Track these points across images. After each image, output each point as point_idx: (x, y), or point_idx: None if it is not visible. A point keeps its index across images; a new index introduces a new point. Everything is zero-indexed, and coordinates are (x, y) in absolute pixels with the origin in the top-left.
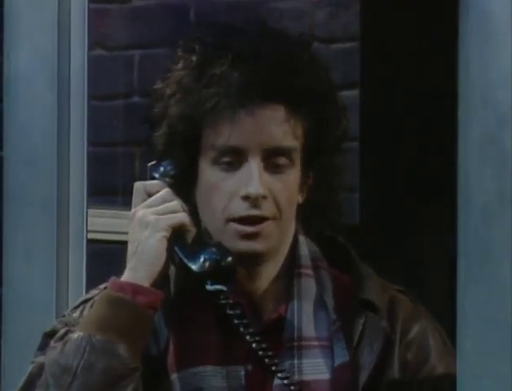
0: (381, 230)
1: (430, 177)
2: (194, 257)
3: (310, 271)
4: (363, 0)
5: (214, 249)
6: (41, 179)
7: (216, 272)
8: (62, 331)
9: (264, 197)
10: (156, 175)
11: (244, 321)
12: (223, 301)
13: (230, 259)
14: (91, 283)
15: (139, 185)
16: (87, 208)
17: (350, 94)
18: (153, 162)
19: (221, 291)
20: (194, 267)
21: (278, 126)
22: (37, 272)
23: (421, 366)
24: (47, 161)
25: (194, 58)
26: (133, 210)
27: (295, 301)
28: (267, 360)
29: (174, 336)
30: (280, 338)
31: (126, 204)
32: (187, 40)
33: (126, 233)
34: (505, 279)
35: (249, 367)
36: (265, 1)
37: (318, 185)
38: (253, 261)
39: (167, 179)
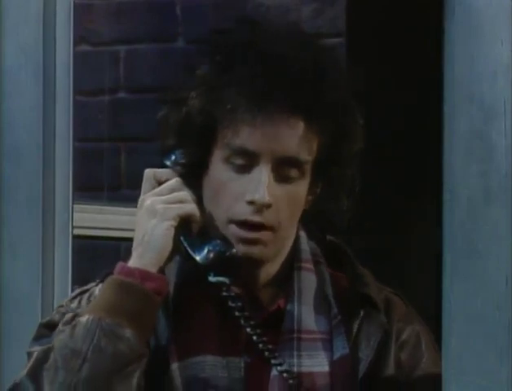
0: (367, 225)
1: (416, 172)
2: (199, 248)
3: (310, 265)
4: None
5: (218, 241)
6: (26, 174)
7: (219, 264)
8: (69, 316)
9: (269, 206)
10: (168, 163)
11: (245, 313)
12: (225, 293)
13: (234, 251)
14: (77, 279)
15: (149, 172)
16: (73, 203)
17: None
18: (166, 151)
19: (223, 283)
20: (198, 258)
21: (295, 138)
22: (23, 267)
23: (412, 369)
24: (32, 157)
25: (219, 56)
26: (141, 197)
27: (295, 294)
28: (266, 353)
29: (174, 325)
30: (280, 330)
31: (112, 199)
32: (213, 36)
33: (112, 229)
34: (491, 275)
35: (248, 359)
36: None
37: (326, 194)
38: (251, 264)
39: (178, 168)
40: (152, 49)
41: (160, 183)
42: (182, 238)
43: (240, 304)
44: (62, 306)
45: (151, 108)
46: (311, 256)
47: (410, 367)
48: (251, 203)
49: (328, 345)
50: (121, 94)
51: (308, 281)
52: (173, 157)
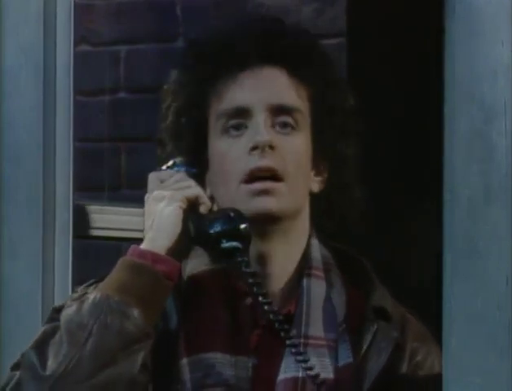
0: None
1: (416, 172)
2: (209, 224)
3: (320, 273)
4: None
5: (228, 212)
6: (26, 174)
7: (231, 231)
8: (79, 293)
9: (271, 147)
10: (169, 166)
11: (258, 280)
12: (239, 259)
13: (244, 218)
14: (77, 279)
15: (152, 175)
16: (73, 203)
17: None
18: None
19: (237, 249)
20: (210, 230)
21: (280, 86)
22: (23, 267)
23: (427, 388)
24: (33, 156)
25: (194, 48)
26: (147, 195)
27: (304, 300)
28: (293, 349)
29: (185, 321)
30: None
31: (112, 199)
32: (184, 56)
33: (112, 229)
34: (491, 275)
35: (256, 360)
36: None
37: (333, 176)
38: (265, 221)
39: (179, 169)
40: (153, 49)
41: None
42: (192, 219)
43: (253, 270)
44: (76, 292)
45: (151, 108)
46: (322, 264)
47: (426, 385)
48: (254, 148)
49: (334, 352)
50: (122, 94)
51: (317, 288)
52: (172, 162)
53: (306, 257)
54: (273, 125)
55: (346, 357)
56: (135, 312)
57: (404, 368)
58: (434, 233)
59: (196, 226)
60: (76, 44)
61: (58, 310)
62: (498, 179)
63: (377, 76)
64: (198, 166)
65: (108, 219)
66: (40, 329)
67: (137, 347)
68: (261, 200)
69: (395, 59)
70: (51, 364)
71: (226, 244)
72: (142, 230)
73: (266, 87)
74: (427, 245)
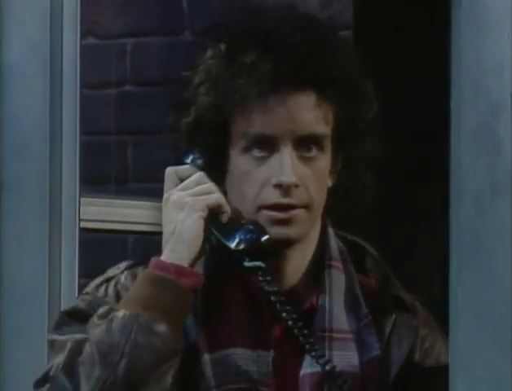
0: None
1: (423, 166)
2: (231, 236)
3: (339, 264)
4: None
5: (250, 227)
6: (33, 168)
7: (254, 249)
8: (105, 309)
9: (296, 186)
10: (187, 161)
11: (282, 298)
12: (261, 278)
13: (267, 236)
14: (84, 272)
15: (170, 170)
16: (80, 196)
17: None
18: (182, 151)
19: (259, 267)
20: (232, 245)
21: (309, 112)
22: (30, 261)
23: (435, 376)
24: (39, 150)
25: (223, 46)
26: (166, 195)
27: (327, 292)
28: (307, 346)
29: (204, 318)
30: (311, 328)
31: (119, 192)
32: (215, 27)
33: (119, 222)
34: (498, 269)
35: (277, 354)
36: None
37: (348, 169)
38: (283, 246)
39: (199, 164)
40: (159, 42)
41: (182, 180)
42: (212, 228)
43: (276, 288)
44: (87, 294)
45: (158, 101)
46: (339, 253)
47: (432, 374)
48: (278, 186)
49: (359, 345)
50: (128, 88)
51: (338, 279)
52: (191, 157)
53: (323, 247)
54: (299, 155)
55: (373, 349)
56: (163, 328)
57: (417, 356)
58: (441, 228)
59: (217, 238)
60: (82, 37)
61: (69, 314)
62: (505, 173)
63: (384, 69)
64: (216, 168)
65: (114, 212)
66: (53, 341)
67: (167, 366)
68: (281, 228)
69: (402, 52)
70: (84, 387)
71: (249, 264)
72: (149, 224)
73: (295, 116)
74: (434, 240)
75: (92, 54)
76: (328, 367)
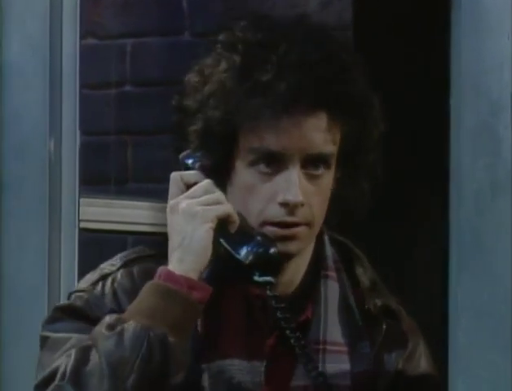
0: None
1: (423, 166)
2: (240, 248)
3: (333, 273)
4: None
5: (259, 239)
6: (33, 168)
7: (263, 263)
8: (112, 319)
9: (302, 205)
10: (192, 166)
11: (287, 315)
12: (269, 293)
13: (275, 249)
14: (83, 272)
15: (175, 175)
16: (79, 197)
17: None
18: (186, 152)
19: (269, 282)
20: (240, 256)
21: (320, 133)
22: (30, 260)
23: (413, 380)
24: (39, 150)
25: (237, 58)
26: (173, 201)
27: (321, 304)
28: (304, 358)
29: (202, 328)
30: (305, 340)
31: (119, 192)
32: (228, 36)
33: (118, 222)
34: (498, 269)
35: (267, 365)
36: None
37: (347, 177)
38: (284, 258)
39: (204, 164)
40: (159, 42)
41: (188, 186)
42: (221, 239)
43: (283, 305)
44: (83, 291)
45: (157, 102)
46: (333, 262)
47: (412, 378)
48: (284, 204)
49: (352, 357)
50: (128, 88)
51: (333, 290)
52: (193, 159)
53: (319, 256)
54: (306, 173)
55: (365, 361)
56: (172, 342)
57: (401, 362)
58: (440, 227)
59: (226, 249)
60: (82, 37)
61: (63, 310)
62: (505, 174)
63: (384, 69)
64: (220, 175)
65: (114, 213)
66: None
67: (173, 380)
68: (283, 244)
69: (402, 52)
70: None
71: (259, 279)
72: (148, 224)
73: (306, 136)
74: (433, 239)
75: (92, 55)
76: (319, 381)
